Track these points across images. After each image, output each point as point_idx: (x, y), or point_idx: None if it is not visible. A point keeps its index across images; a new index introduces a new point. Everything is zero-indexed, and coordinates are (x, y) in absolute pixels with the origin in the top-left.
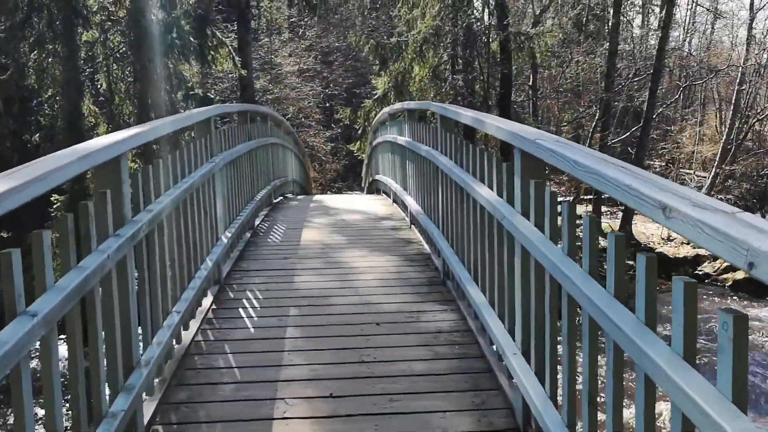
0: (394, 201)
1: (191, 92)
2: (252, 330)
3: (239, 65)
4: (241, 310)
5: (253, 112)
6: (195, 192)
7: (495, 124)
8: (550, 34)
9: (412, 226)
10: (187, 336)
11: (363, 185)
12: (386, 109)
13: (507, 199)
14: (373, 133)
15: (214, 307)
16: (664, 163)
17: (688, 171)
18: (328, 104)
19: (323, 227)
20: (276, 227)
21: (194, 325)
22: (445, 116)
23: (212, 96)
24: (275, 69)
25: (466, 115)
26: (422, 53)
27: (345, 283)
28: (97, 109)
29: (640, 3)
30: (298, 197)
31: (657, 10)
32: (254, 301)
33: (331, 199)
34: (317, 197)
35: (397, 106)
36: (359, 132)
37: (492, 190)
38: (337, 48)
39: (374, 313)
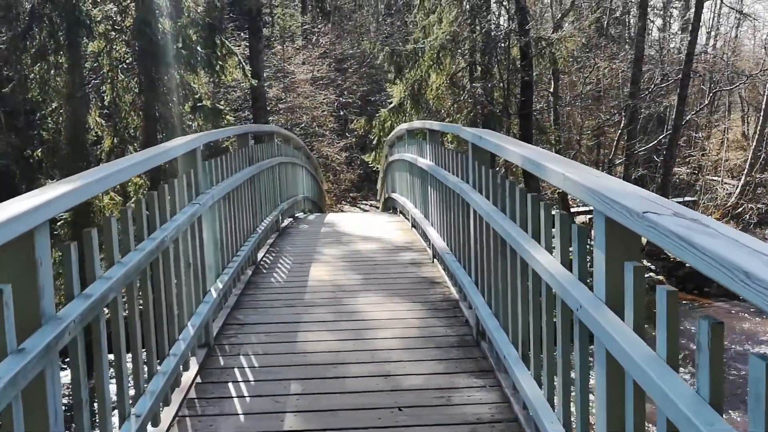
0: (413, 226)
1: (199, 104)
2: (242, 418)
3: (249, 75)
4: (231, 386)
5: (256, 132)
6: (171, 245)
7: (563, 173)
8: (572, 39)
9: (435, 260)
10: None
11: (378, 198)
12: (404, 126)
13: (580, 275)
14: (390, 147)
15: (198, 380)
16: (690, 171)
17: (715, 178)
18: (342, 113)
19: (335, 261)
20: (281, 261)
21: (170, 411)
22: (479, 147)
23: (222, 107)
24: (288, 77)
25: (514, 152)
26: (439, 60)
27: (359, 342)
28: (103, 122)
29: (661, 5)
30: (309, 217)
31: (676, 12)
32: (249, 372)
33: (344, 221)
34: (329, 218)
35: (418, 124)
36: (374, 142)
37: (555, 258)
38: (351, 55)
39: (395, 390)
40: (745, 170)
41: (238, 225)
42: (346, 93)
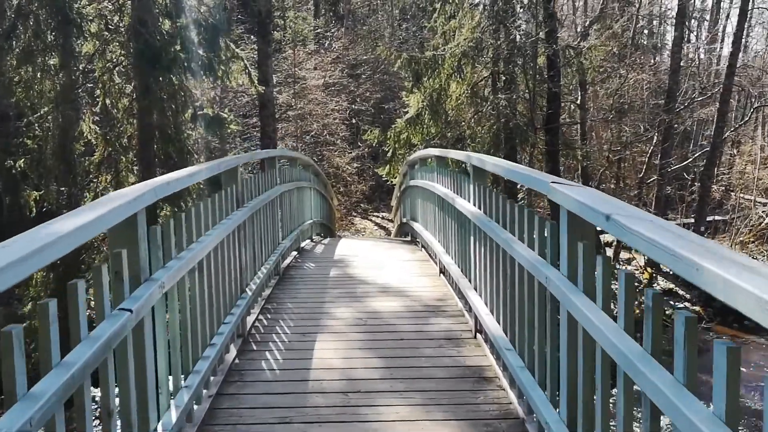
0: (441, 272)
1: (200, 111)
2: None
3: (256, 81)
4: None
5: (248, 161)
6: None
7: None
8: (602, 48)
9: (479, 335)
10: None
11: (392, 218)
12: (434, 152)
13: None
14: (410, 168)
15: None
16: (720, 188)
17: (747, 197)
18: (354, 121)
19: (347, 331)
20: (278, 330)
21: None
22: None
23: (225, 115)
24: (299, 83)
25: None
26: (460, 69)
27: None
28: (97, 129)
29: (690, 13)
30: (317, 249)
31: (707, 23)
32: None
33: (357, 257)
34: (340, 248)
35: (457, 155)
36: (389, 154)
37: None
38: (364, 61)
39: None
40: None
41: (222, 291)
42: (358, 100)
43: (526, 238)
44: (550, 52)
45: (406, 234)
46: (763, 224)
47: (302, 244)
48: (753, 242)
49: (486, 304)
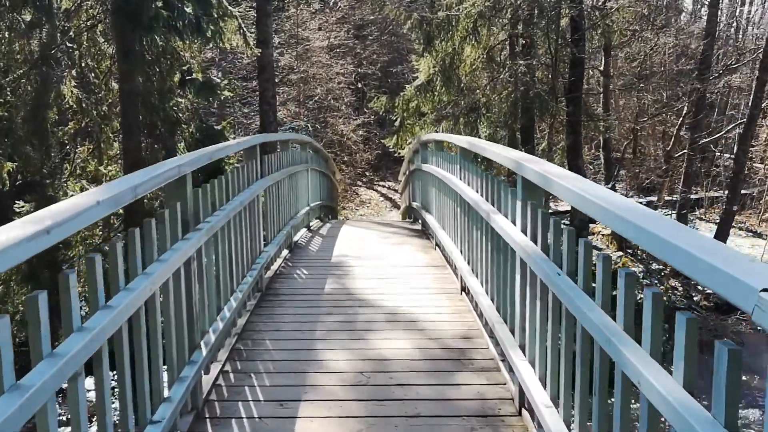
0: (463, 290)
1: (188, 76)
2: None
3: (253, 42)
4: None
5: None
6: None
7: None
8: (630, 9)
9: (525, 412)
10: None
11: (399, 195)
12: (461, 142)
13: None
14: (422, 146)
15: None
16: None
17: None
18: (360, 85)
19: (340, 402)
20: (246, 397)
21: None
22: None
23: (219, 80)
24: (302, 44)
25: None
26: (476, 31)
27: None
28: (79, 93)
29: None
30: (312, 244)
31: None
32: None
33: (360, 258)
34: (340, 248)
35: (498, 155)
36: (396, 123)
37: None
38: (371, 21)
39: None
40: None
41: (156, 358)
42: (365, 63)
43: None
44: (575, 13)
45: (414, 220)
46: None
47: (296, 238)
48: None
49: (543, 385)
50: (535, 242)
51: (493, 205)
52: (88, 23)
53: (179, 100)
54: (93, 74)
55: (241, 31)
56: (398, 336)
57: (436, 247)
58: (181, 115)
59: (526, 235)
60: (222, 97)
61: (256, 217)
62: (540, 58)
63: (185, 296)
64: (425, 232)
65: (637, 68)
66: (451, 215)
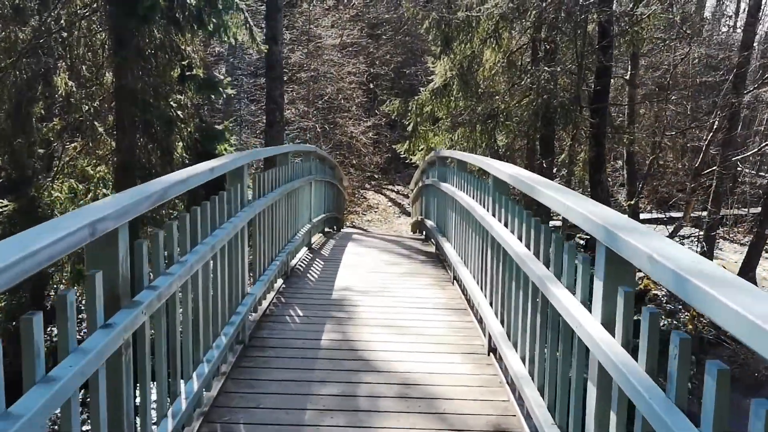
0: (491, 352)
1: (188, 72)
2: None
3: (259, 38)
4: None
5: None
6: None
7: None
8: (662, 16)
9: None
10: None
11: (410, 204)
12: (500, 170)
13: None
14: (440, 160)
15: None
16: None
17: None
18: (371, 86)
19: None
20: None
21: None
22: None
23: (221, 77)
24: (313, 41)
25: None
26: (498, 33)
27: None
28: (74, 85)
29: None
30: (311, 275)
31: None
32: None
33: (366, 294)
34: (342, 278)
35: (571, 207)
36: (409, 128)
37: None
38: (386, 20)
39: None
40: None
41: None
42: (377, 63)
43: None
44: (604, 18)
45: (427, 238)
46: None
47: (294, 261)
48: None
49: None
50: (627, 349)
51: (548, 267)
52: (85, 11)
53: (179, 97)
54: (85, 67)
55: (248, 25)
56: (410, 423)
57: (454, 282)
58: (180, 113)
59: (612, 334)
60: (224, 96)
61: (240, 255)
62: (564, 64)
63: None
64: (439, 257)
65: (659, 78)
66: (477, 252)
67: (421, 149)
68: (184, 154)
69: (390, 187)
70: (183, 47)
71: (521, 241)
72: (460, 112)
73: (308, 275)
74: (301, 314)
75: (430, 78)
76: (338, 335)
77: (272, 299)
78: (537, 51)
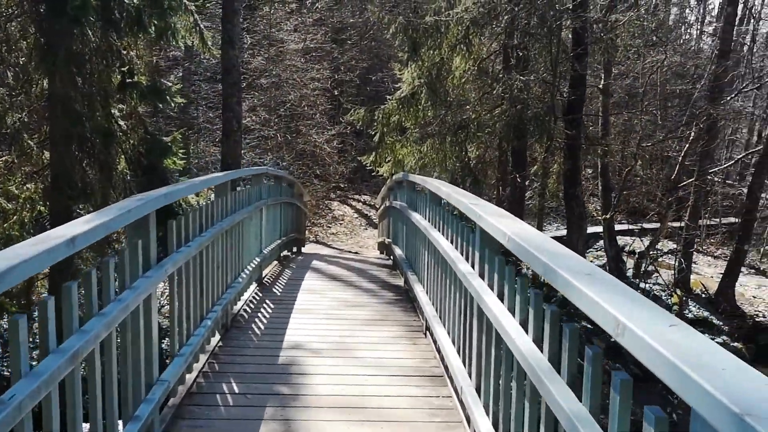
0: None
1: (129, 79)
2: None
3: (210, 42)
4: None
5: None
6: None
7: None
8: (638, 23)
9: None
10: None
11: (377, 225)
12: (496, 227)
13: None
14: (408, 186)
15: None
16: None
17: None
18: (336, 92)
19: None
20: None
21: None
22: None
23: (170, 84)
24: (275, 46)
25: None
26: (468, 40)
27: None
28: (4, 93)
29: None
30: (256, 326)
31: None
32: None
33: (320, 361)
34: (293, 335)
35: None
36: (375, 139)
37: None
38: (351, 24)
39: None
40: None
41: None
42: (342, 69)
43: None
44: (578, 25)
45: (394, 265)
46: None
47: (237, 308)
48: None
49: None
50: None
51: (552, 364)
52: (10, 11)
53: (120, 105)
54: (11, 73)
55: (197, 28)
56: None
57: (427, 333)
58: (122, 123)
59: None
60: (173, 104)
61: (143, 334)
62: (538, 72)
63: None
64: (408, 294)
65: (629, 87)
66: (458, 315)
67: (388, 161)
68: (126, 170)
69: (356, 197)
70: (125, 52)
71: (527, 332)
72: (429, 122)
73: (253, 326)
74: (236, 391)
75: (397, 85)
76: (280, 427)
77: (203, 366)
78: (509, 58)
